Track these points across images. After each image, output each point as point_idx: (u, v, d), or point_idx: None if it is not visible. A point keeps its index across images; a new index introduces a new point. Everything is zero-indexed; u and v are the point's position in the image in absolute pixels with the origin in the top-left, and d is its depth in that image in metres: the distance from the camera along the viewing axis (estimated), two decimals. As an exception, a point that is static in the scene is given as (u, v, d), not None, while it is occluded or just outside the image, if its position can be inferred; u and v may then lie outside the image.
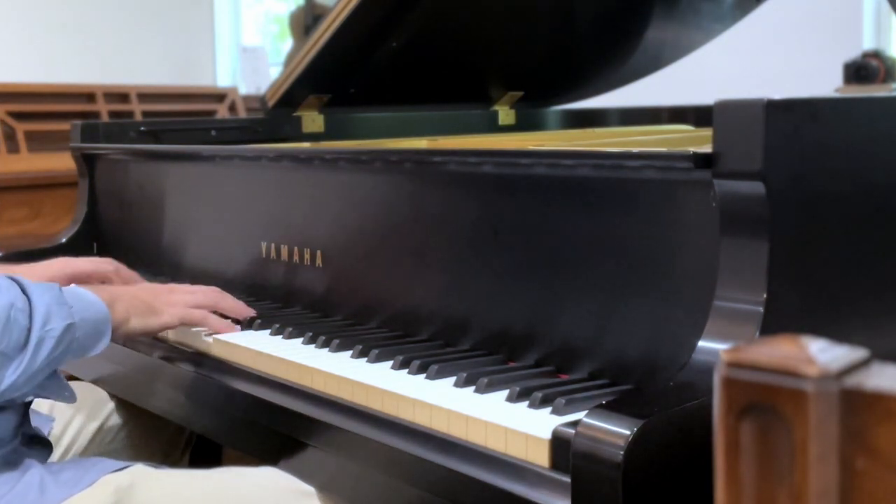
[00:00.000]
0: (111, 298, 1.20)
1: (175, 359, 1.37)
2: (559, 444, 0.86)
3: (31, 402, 1.23)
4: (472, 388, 1.03)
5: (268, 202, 1.51)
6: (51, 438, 1.31)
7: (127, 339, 1.28)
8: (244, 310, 1.37)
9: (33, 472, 1.12)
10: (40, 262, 1.46)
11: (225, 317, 1.35)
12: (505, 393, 1.00)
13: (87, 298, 1.15)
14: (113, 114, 2.87)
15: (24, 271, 1.41)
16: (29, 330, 1.05)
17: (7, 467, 1.12)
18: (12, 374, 1.03)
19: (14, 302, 1.04)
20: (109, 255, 1.61)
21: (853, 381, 0.42)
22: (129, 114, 2.91)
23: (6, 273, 1.34)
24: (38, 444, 1.24)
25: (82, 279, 1.43)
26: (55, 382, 1.13)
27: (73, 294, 1.14)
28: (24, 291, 1.07)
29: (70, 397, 1.17)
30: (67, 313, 1.09)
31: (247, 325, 1.37)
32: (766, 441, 0.42)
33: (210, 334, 1.33)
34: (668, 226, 0.99)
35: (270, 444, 1.19)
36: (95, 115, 2.82)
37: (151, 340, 1.43)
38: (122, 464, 1.15)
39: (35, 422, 1.26)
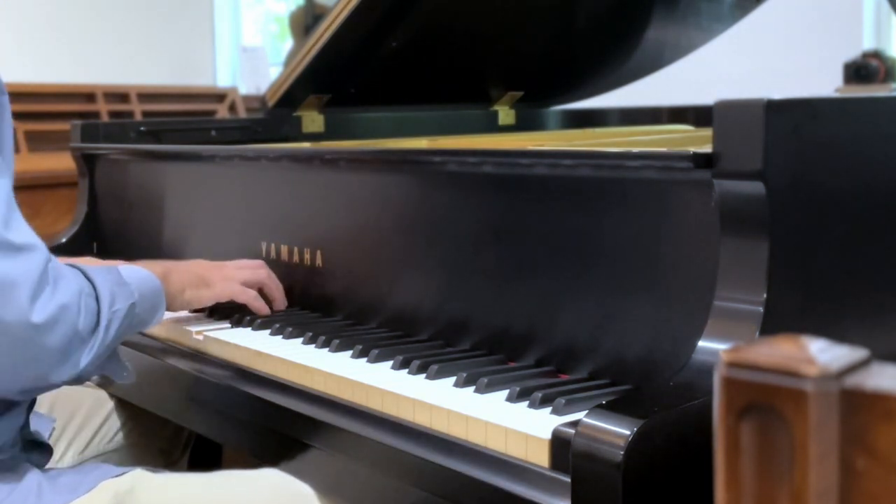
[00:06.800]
0: (165, 271, 1.28)
1: (175, 358, 1.37)
2: (559, 444, 0.86)
3: (33, 404, 1.23)
4: (472, 388, 1.03)
5: (268, 202, 1.51)
6: (50, 439, 1.31)
7: (181, 309, 1.36)
8: (282, 298, 1.44)
9: (31, 477, 1.11)
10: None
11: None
12: (505, 393, 1.00)
13: (141, 274, 1.21)
14: (113, 114, 2.86)
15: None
16: (98, 313, 1.09)
17: (4, 472, 1.12)
18: (87, 355, 1.06)
19: (82, 288, 1.07)
20: (109, 256, 1.60)
21: (853, 381, 0.42)
22: (129, 114, 2.91)
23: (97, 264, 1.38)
24: (37, 450, 1.23)
25: None
26: (115, 362, 1.17)
27: (129, 271, 1.19)
28: (86, 276, 1.10)
29: (129, 377, 1.21)
30: (129, 292, 1.15)
31: (247, 324, 1.37)
32: (766, 441, 0.42)
33: (205, 331, 1.35)
34: (667, 226, 0.98)
35: (270, 444, 1.19)
36: (95, 115, 2.82)
37: (151, 341, 1.43)
38: (121, 469, 1.15)
39: (35, 424, 1.25)
